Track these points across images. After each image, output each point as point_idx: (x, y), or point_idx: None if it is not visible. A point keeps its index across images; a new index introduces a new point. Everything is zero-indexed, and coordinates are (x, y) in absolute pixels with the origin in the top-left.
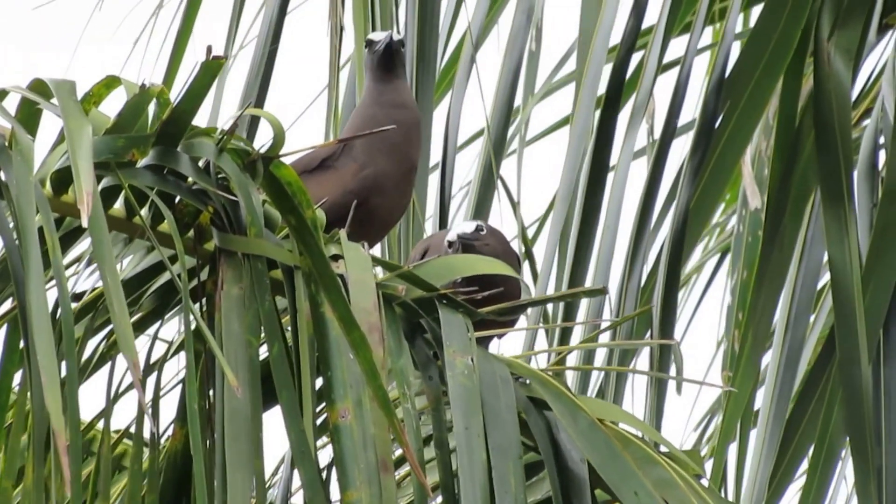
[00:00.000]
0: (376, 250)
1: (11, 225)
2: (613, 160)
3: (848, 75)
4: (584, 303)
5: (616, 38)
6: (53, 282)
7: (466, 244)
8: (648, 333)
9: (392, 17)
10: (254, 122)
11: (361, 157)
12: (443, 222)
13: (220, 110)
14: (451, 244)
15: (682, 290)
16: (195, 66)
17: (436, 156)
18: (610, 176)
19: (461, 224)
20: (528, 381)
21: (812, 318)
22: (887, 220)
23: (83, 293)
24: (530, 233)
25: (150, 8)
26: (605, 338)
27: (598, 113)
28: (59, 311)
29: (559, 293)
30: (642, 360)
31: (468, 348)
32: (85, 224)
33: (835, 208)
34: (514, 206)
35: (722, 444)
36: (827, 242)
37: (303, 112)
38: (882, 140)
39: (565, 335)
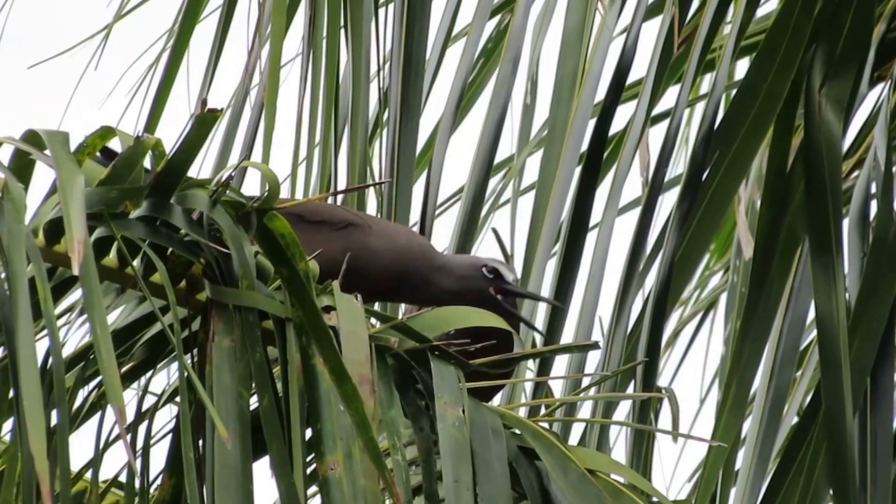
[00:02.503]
0: None
1: (4, 276)
2: (598, 209)
3: (839, 126)
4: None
5: (602, 90)
6: (45, 332)
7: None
8: (632, 383)
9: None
10: (240, 172)
11: (356, 246)
12: None
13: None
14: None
15: (672, 341)
16: (190, 118)
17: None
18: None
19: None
20: (518, 432)
21: (798, 373)
22: (876, 268)
23: None
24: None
25: (146, 62)
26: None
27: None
28: (51, 360)
29: (551, 346)
30: (627, 410)
31: (459, 400)
32: (76, 271)
33: (823, 258)
34: (507, 257)
35: (704, 495)
36: (814, 292)
37: (293, 171)
38: (874, 190)
39: (540, 386)
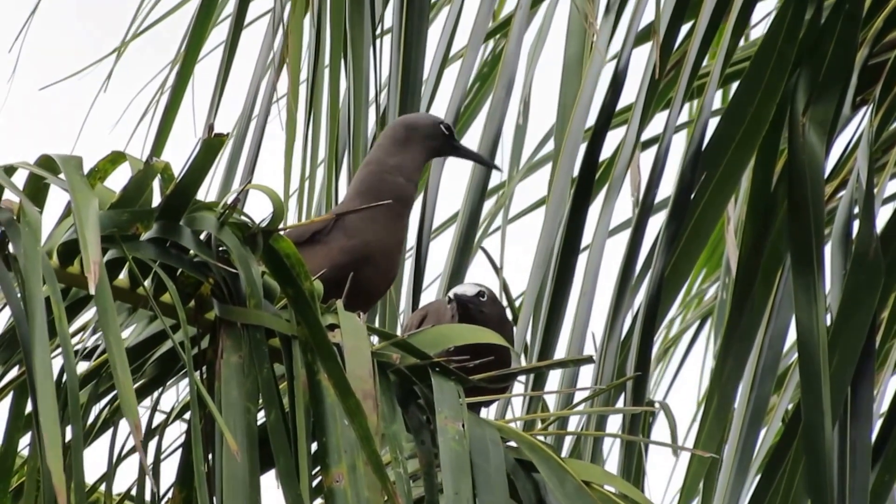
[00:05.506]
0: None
1: (19, 295)
2: (589, 229)
3: (822, 147)
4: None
5: (594, 115)
6: (59, 349)
7: (463, 304)
8: (622, 396)
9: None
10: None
11: (351, 228)
12: (415, 305)
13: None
14: (449, 301)
15: (663, 357)
16: (197, 142)
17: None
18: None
19: (464, 285)
20: (516, 445)
21: (783, 388)
22: (855, 284)
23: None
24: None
25: (154, 87)
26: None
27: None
28: (65, 377)
29: (547, 361)
30: (619, 423)
31: (459, 414)
32: (92, 291)
33: (804, 276)
34: (497, 270)
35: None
36: (795, 308)
37: (297, 189)
38: (857, 210)
39: (535, 400)
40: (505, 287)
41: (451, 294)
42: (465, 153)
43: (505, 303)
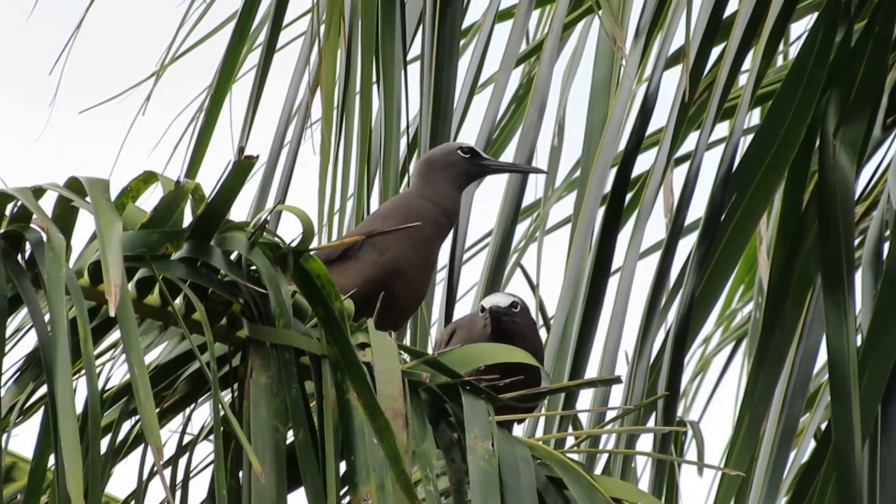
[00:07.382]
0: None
1: (47, 318)
2: (620, 250)
3: (852, 168)
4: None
5: (625, 135)
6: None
7: (496, 316)
8: (653, 415)
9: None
10: (275, 215)
11: (382, 244)
12: (448, 321)
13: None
14: (482, 310)
15: (699, 374)
16: (228, 164)
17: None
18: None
19: (498, 295)
20: (547, 463)
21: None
22: (886, 304)
23: None
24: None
25: (191, 110)
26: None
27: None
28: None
29: (576, 381)
30: (649, 441)
31: (489, 433)
32: (112, 314)
33: (835, 295)
34: (533, 288)
35: None
36: (826, 327)
37: (335, 212)
38: (887, 232)
39: (565, 419)
40: (541, 305)
41: (483, 304)
42: (498, 168)
43: (540, 321)
